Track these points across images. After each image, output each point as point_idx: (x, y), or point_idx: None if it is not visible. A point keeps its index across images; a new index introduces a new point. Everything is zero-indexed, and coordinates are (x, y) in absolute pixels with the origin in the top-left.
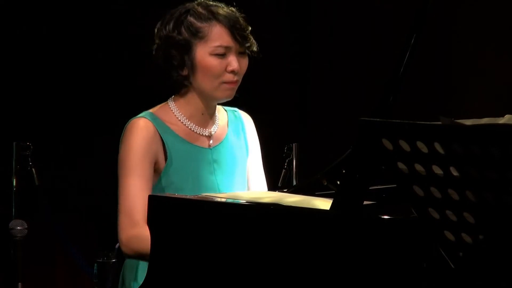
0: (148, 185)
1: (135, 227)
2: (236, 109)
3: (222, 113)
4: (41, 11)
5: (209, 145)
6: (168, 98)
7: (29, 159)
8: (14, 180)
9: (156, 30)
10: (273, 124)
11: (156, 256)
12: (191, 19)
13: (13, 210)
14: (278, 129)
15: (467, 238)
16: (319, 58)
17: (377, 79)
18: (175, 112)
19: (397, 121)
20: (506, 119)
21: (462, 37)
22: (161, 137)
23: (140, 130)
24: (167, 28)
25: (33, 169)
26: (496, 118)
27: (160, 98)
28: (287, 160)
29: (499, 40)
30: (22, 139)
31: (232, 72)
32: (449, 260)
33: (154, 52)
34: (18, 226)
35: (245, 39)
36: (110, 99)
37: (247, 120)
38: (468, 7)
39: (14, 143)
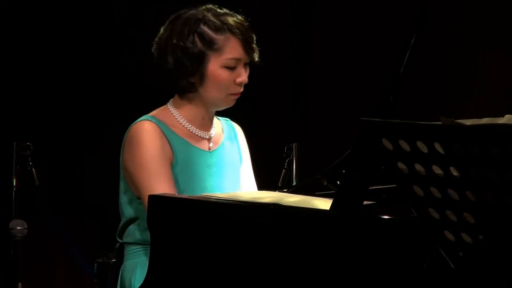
0: (173, 184)
1: None
2: (227, 119)
3: (216, 120)
4: (41, 11)
5: (209, 148)
6: (168, 100)
7: (29, 159)
8: (14, 180)
9: (162, 32)
10: (273, 124)
11: (156, 256)
12: (205, 28)
13: (13, 210)
14: (278, 129)
15: (467, 238)
16: (319, 58)
17: (377, 79)
18: (175, 115)
19: (397, 121)
20: (506, 119)
21: (462, 37)
22: (167, 139)
23: (150, 132)
24: (178, 35)
25: (33, 169)
26: (496, 118)
27: (161, 98)
28: (287, 160)
29: (499, 40)
30: (22, 139)
31: (240, 84)
32: (449, 260)
33: (157, 54)
34: (18, 226)
35: (254, 51)
36: (110, 99)
37: (238, 130)
38: (468, 7)
39: (14, 143)
